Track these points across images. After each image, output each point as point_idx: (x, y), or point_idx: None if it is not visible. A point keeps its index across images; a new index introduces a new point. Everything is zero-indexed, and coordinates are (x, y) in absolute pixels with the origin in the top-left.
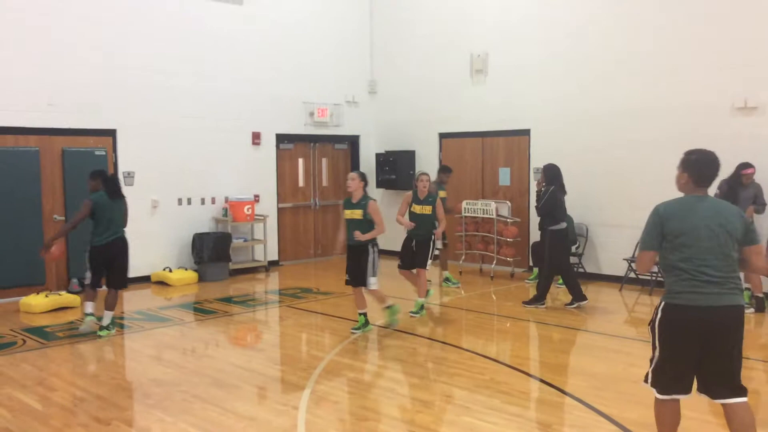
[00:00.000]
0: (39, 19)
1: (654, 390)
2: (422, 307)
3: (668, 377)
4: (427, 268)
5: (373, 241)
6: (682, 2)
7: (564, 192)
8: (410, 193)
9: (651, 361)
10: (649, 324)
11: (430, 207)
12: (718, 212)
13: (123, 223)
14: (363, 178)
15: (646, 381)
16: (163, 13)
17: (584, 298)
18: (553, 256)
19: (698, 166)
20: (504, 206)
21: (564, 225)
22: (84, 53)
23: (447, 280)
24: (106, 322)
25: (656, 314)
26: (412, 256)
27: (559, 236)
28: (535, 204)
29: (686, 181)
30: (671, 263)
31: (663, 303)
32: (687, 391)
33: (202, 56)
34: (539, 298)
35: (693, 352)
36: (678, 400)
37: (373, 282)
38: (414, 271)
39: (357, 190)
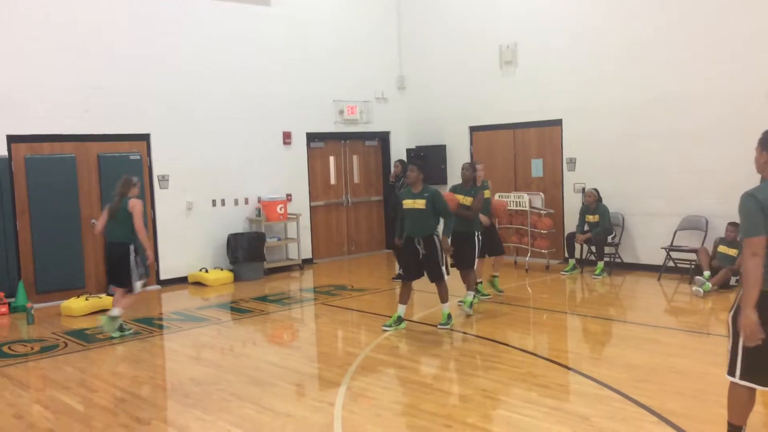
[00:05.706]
0: (73, 28)
1: (745, 382)
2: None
3: (761, 367)
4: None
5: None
6: None
7: None
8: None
9: (733, 352)
10: (730, 313)
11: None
12: None
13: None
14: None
15: (732, 375)
16: (193, 17)
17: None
18: None
19: None
20: (537, 198)
21: None
22: (117, 60)
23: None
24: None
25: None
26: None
27: None
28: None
29: (766, 161)
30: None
31: None
32: None
33: (231, 58)
34: None
35: None
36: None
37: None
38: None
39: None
